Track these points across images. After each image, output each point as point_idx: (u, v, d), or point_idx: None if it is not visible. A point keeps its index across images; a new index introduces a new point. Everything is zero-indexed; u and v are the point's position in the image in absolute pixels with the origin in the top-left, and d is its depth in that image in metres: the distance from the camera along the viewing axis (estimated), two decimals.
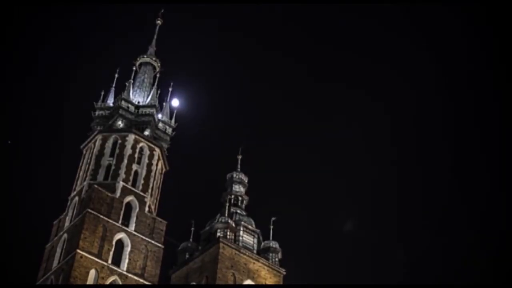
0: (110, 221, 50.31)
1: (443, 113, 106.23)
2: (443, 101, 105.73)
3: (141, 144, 57.07)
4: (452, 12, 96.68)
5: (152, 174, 56.29)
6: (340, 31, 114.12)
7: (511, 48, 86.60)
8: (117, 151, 55.73)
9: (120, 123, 58.65)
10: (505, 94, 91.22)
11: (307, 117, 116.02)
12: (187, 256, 55.70)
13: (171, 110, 63.18)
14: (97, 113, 60.66)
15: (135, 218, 52.25)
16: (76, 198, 53.47)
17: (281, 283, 54.12)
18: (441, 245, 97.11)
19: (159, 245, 52.54)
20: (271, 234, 56.57)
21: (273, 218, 57.41)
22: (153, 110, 60.76)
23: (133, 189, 53.80)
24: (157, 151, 57.96)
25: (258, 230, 56.93)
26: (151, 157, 57.15)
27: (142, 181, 54.95)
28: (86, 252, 47.52)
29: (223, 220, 54.52)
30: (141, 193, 54.05)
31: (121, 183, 53.14)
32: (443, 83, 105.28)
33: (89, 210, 49.46)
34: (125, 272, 49.04)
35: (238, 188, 60.47)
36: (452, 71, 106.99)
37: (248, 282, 51.99)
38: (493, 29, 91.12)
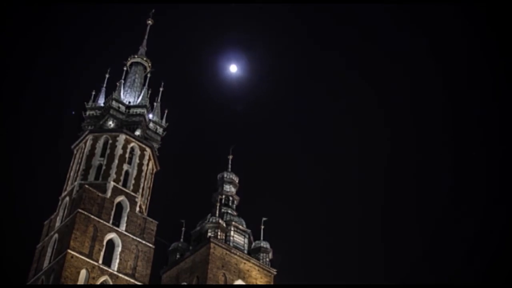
0: (101, 221, 50.34)
1: (442, 113, 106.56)
2: (443, 101, 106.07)
3: (132, 144, 57.12)
4: (453, 12, 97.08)
5: (143, 174, 56.36)
6: (337, 30, 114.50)
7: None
8: (108, 151, 55.79)
9: (111, 123, 58.71)
10: (505, 94, 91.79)
11: (299, 117, 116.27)
12: (177, 256, 55.71)
13: (162, 109, 63.40)
14: (88, 113, 60.66)
15: (126, 218, 52.30)
16: (67, 198, 53.43)
17: (272, 283, 54.23)
18: (440, 245, 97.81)
19: (150, 245, 52.62)
20: (261, 234, 56.64)
21: (264, 218, 57.49)
22: (144, 110, 60.84)
23: (124, 189, 53.85)
24: (148, 151, 58.02)
25: (249, 230, 57.03)
26: (141, 157, 57.20)
27: (133, 181, 55.03)
28: (77, 252, 47.51)
29: (213, 220, 54.60)
30: (132, 193, 54.11)
31: (112, 183, 53.18)
32: (443, 84, 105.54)
33: (80, 210, 49.47)
34: (115, 272, 49.08)
35: (229, 188, 60.50)
36: (452, 71, 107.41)
37: (239, 282, 52.07)
38: (493, 28, 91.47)
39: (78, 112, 61.29)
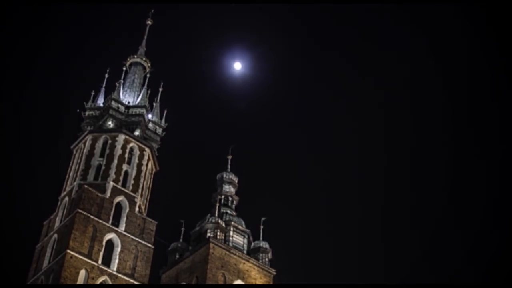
0: (100, 221, 50.36)
1: (442, 113, 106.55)
2: (443, 101, 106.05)
3: (131, 144, 57.14)
4: (453, 12, 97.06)
5: (142, 174, 56.37)
6: (336, 29, 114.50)
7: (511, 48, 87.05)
8: (107, 151, 55.81)
9: (110, 123, 58.75)
10: (505, 94, 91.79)
11: (299, 117, 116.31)
12: (177, 256, 55.70)
13: (162, 109, 63.46)
14: (87, 113, 60.70)
15: (125, 218, 52.34)
16: (66, 198, 53.45)
17: (271, 283, 54.21)
18: (440, 245, 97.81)
19: (149, 245, 52.64)
20: (261, 234, 56.61)
21: (263, 218, 57.45)
22: (143, 110, 60.89)
23: (123, 189, 53.87)
24: (147, 151, 58.04)
25: (248, 230, 57.02)
26: (141, 157, 57.22)
27: (132, 181, 55.05)
28: (76, 252, 47.52)
29: (213, 220, 54.58)
30: (131, 193, 54.13)
31: (111, 183, 53.19)
32: (443, 84, 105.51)
33: (79, 210, 49.48)
34: (115, 272, 49.09)
35: (228, 189, 60.47)
36: (452, 71, 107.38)
37: (238, 282, 52.05)
38: (493, 28, 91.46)
39: (78, 112, 61.46)
